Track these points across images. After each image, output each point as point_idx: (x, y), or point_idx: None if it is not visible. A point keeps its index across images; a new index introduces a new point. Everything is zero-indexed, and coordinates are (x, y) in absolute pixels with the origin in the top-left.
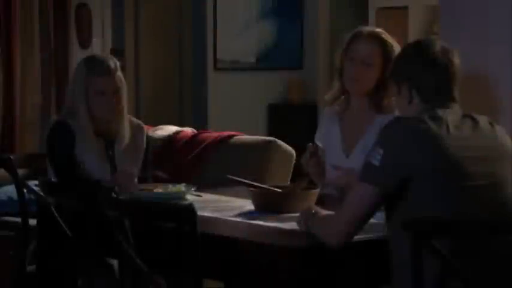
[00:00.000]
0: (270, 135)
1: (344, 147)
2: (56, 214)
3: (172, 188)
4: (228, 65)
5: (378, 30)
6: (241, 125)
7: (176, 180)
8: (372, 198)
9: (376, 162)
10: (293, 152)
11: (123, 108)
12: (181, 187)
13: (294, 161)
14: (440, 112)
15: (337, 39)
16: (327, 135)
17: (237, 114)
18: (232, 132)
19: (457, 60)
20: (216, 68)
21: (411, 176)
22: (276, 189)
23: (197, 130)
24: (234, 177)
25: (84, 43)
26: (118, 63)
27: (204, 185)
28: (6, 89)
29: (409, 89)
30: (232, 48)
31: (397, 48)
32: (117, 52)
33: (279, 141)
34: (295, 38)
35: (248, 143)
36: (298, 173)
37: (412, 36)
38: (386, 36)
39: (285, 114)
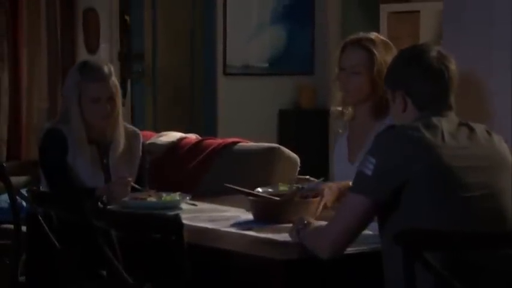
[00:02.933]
0: (280, 140)
1: (350, 155)
2: (44, 224)
3: (166, 197)
4: (237, 70)
5: (367, 36)
6: (251, 131)
7: (179, 188)
8: (364, 209)
9: (368, 172)
10: (297, 159)
11: (118, 115)
12: (176, 196)
13: (298, 168)
14: (435, 120)
15: None
16: (338, 149)
17: (247, 119)
18: (236, 139)
19: (453, 67)
20: (225, 73)
21: (404, 186)
22: (274, 197)
23: (203, 136)
24: (231, 186)
25: (92, 48)
26: (112, 69)
27: (204, 193)
28: (13, 93)
29: (403, 96)
30: (242, 53)
31: (389, 51)
32: (137, 56)
33: (283, 148)
34: (306, 43)
35: (252, 149)
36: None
37: (424, 40)
38: (374, 42)
39: (296, 119)
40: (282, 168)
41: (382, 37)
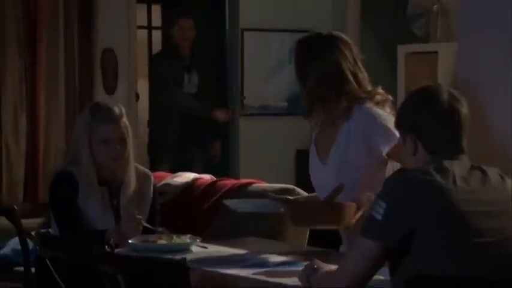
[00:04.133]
0: (297, 180)
1: (320, 158)
2: (51, 267)
3: (176, 240)
4: (255, 110)
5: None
6: (268, 171)
7: (192, 229)
8: (374, 255)
9: (378, 216)
10: None
11: (129, 156)
12: (186, 238)
13: None
14: (446, 164)
15: None
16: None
17: (264, 159)
18: (251, 180)
19: (464, 110)
20: (242, 114)
21: (415, 231)
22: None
23: (218, 177)
24: (272, 195)
25: (109, 88)
26: (123, 110)
27: (217, 235)
28: (30, 135)
29: (414, 140)
30: (260, 93)
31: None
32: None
33: (298, 189)
34: None
35: (267, 190)
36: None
37: (442, 81)
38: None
39: None
40: None
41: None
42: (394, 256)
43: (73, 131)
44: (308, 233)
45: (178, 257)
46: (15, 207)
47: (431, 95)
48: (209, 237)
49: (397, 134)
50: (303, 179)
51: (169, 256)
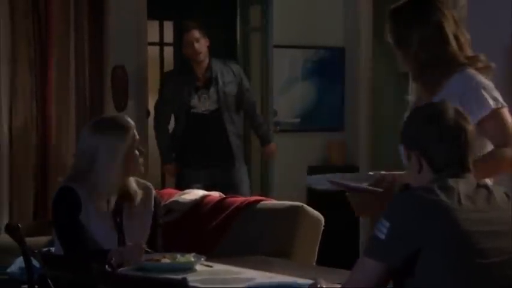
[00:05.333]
0: (309, 198)
1: None
2: (52, 287)
3: (180, 258)
4: None
5: None
6: (280, 188)
7: (200, 247)
8: (378, 275)
9: (381, 236)
10: (321, 218)
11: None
12: (191, 257)
13: (322, 228)
14: (451, 182)
15: (378, 101)
16: None
17: (276, 176)
18: (260, 198)
19: (470, 127)
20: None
21: (419, 251)
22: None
23: (225, 194)
24: (334, 180)
25: (120, 105)
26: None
27: (224, 253)
28: (41, 151)
29: (418, 158)
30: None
31: None
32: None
33: (307, 207)
34: (336, 98)
35: (275, 208)
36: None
37: None
38: None
39: None
40: (306, 227)
41: None
42: (398, 276)
43: (85, 147)
44: (317, 252)
45: (179, 276)
46: (19, 225)
47: (436, 112)
48: (218, 255)
49: (492, 104)
50: (315, 197)
51: (173, 275)
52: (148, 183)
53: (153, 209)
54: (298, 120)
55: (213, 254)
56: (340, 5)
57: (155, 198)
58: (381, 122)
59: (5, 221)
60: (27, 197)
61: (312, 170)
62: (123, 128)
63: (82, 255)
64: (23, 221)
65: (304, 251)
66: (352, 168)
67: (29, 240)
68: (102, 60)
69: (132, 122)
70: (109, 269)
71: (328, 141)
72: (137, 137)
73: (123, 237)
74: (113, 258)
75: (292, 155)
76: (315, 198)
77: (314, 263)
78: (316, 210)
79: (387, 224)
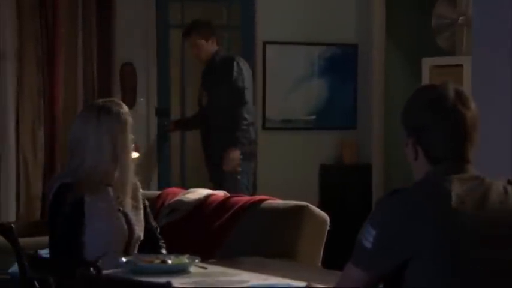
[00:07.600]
0: (321, 196)
1: None
2: None
3: (174, 260)
4: (277, 124)
5: None
6: (291, 186)
7: (204, 247)
8: (366, 281)
9: (367, 245)
10: (326, 218)
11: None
12: (184, 258)
13: (327, 228)
14: (445, 181)
15: (391, 99)
16: None
17: (288, 174)
18: (264, 197)
19: (470, 114)
20: (264, 128)
21: (408, 259)
22: None
23: (230, 193)
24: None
25: (129, 103)
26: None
27: (228, 253)
28: (48, 149)
29: (414, 146)
30: (283, 107)
31: None
32: (163, 111)
33: (311, 206)
34: (349, 97)
35: (280, 208)
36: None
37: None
38: None
39: (338, 174)
40: (310, 227)
41: None
42: (387, 284)
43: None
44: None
45: (164, 280)
46: (12, 225)
47: (434, 95)
48: (222, 255)
49: None
50: (327, 196)
51: (166, 277)
52: (137, 182)
53: (141, 206)
54: (309, 118)
55: (216, 253)
56: (353, 1)
57: (143, 197)
58: (394, 120)
59: (13, 219)
60: (34, 197)
61: (324, 169)
62: (109, 112)
63: (68, 262)
64: (30, 220)
65: (309, 251)
66: (364, 168)
67: (34, 240)
68: (110, 58)
69: (123, 107)
70: (94, 272)
71: (340, 139)
72: (130, 121)
73: (130, 226)
74: (100, 260)
75: (304, 153)
76: (327, 196)
77: (319, 264)
78: (329, 209)
79: (373, 232)
